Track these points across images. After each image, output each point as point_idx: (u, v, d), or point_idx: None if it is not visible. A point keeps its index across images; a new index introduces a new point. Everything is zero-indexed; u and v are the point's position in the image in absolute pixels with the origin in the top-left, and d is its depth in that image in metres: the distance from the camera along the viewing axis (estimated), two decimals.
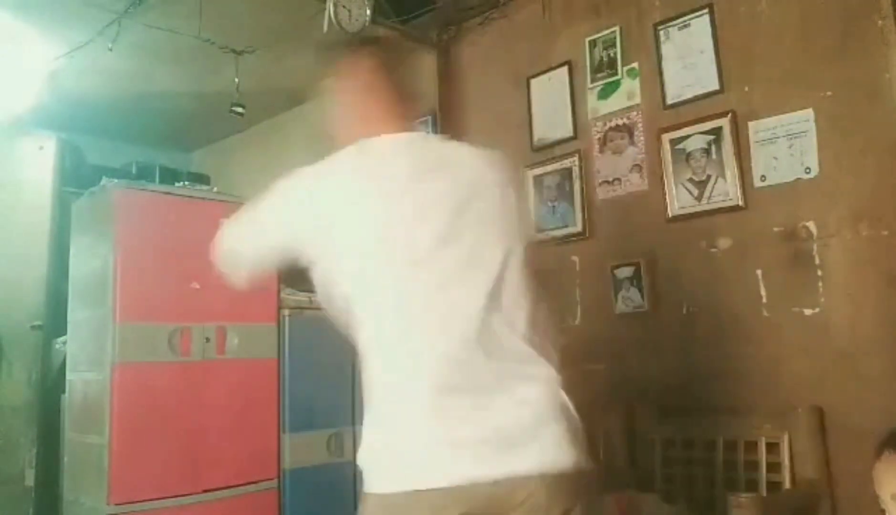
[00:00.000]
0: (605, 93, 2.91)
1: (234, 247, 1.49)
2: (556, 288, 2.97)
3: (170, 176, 4.01)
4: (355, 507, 1.60)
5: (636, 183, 2.78)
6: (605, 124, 2.90)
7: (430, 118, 3.56)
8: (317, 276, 1.35)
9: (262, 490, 2.80)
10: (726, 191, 2.50)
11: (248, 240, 1.49)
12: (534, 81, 3.17)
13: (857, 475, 2.09)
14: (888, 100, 2.19)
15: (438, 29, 3.51)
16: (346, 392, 2.86)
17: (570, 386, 1.31)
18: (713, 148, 2.55)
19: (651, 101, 2.76)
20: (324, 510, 2.82)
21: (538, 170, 3.10)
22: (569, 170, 2.99)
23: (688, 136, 2.62)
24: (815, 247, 2.31)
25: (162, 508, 2.50)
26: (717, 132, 2.54)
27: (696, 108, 2.61)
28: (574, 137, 2.99)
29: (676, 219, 2.64)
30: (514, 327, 1.27)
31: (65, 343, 3.10)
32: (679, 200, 2.63)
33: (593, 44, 2.95)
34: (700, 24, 2.62)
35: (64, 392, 3.00)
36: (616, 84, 2.88)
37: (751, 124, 2.47)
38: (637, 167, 2.78)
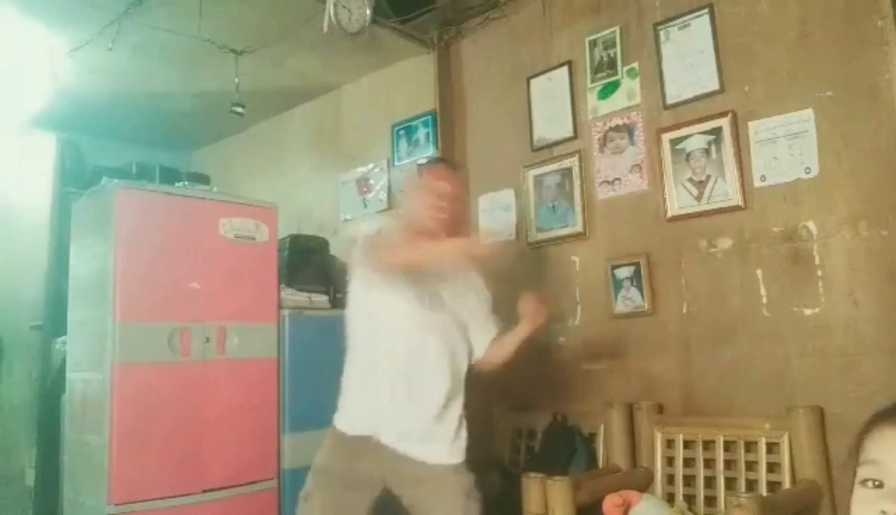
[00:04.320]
0: (605, 93, 2.91)
1: None
2: (557, 288, 2.97)
3: (170, 176, 4.01)
4: None
5: (636, 183, 2.78)
6: (605, 124, 2.90)
7: (429, 118, 3.57)
8: None
9: (262, 490, 2.80)
10: (726, 191, 2.50)
11: None
12: (534, 81, 3.17)
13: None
14: (888, 100, 2.18)
15: (438, 29, 3.51)
16: None
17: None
18: (713, 148, 2.55)
19: (651, 101, 2.76)
20: None
21: (538, 170, 3.10)
22: (569, 170, 2.99)
23: (688, 136, 2.62)
24: (815, 247, 2.31)
25: (162, 508, 2.50)
26: (717, 132, 2.54)
27: (696, 108, 2.61)
28: (574, 137, 2.99)
29: (676, 218, 2.64)
30: None
31: (65, 343, 3.10)
32: (679, 200, 2.63)
33: (593, 44, 2.95)
34: (700, 24, 2.62)
35: (64, 392, 3.00)
36: (616, 84, 2.88)
37: (751, 124, 2.47)
38: (637, 167, 2.78)
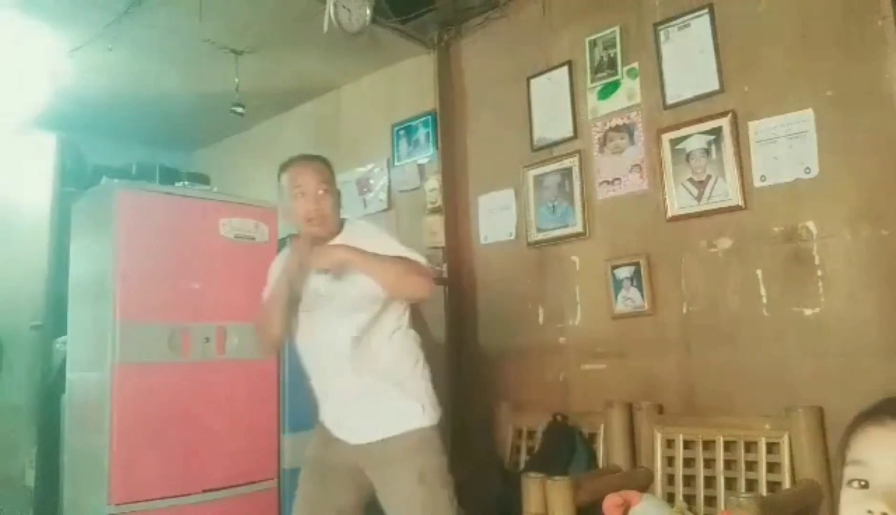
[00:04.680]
0: (605, 93, 2.91)
1: None
2: (557, 288, 2.97)
3: (170, 176, 4.00)
4: None
5: (636, 183, 2.78)
6: (605, 124, 2.90)
7: (429, 118, 3.57)
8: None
9: (262, 490, 2.80)
10: (726, 191, 2.50)
11: None
12: (534, 81, 3.17)
13: None
14: (888, 100, 2.19)
15: (438, 29, 3.51)
16: None
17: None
18: (713, 148, 2.55)
19: (651, 101, 2.76)
20: None
21: (538, 170, 3.10)
22: (569, 170, 2.99)
23: (688, 136, 2.62)
24: (815, 247, 2.31)
25: (162, 508, 2.50)
26: (717, 132, 2.54)
27: (696, 108, 2.61)
28: (574, 137, 2.99)
29: (676, 218, 2.64)
30: None
31: (65, 343, 3.10)
32: (679, 200, 2.63)
33: (593, 44, 2.95)
34: (700, 24, 2.62)
35: (64, 392, 2.99)
36: (616, 84, 2.88)
37: (751, 124, 2.47)
38: (637, 167, 2.78)
